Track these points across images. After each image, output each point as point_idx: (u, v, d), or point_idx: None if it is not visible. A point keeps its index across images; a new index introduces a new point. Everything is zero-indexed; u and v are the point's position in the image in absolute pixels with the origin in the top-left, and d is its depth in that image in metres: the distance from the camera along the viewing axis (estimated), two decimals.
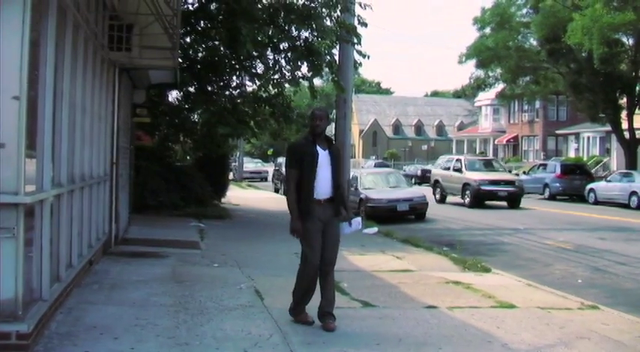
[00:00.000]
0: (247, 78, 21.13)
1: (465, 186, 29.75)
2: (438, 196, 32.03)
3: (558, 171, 35.92)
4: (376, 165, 57.68)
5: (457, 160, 32.46)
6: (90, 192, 9.90)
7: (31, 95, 6.15)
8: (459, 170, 30.96)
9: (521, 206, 29.10)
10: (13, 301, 5.78)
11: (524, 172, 40.59)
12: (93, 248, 10.24)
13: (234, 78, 21.41)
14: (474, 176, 29.68)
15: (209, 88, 20.98)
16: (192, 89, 21.18)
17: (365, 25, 19.26)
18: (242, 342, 6.74)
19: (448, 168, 32.14)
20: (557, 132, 58.51)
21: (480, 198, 29.09)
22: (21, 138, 5.78)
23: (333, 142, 7.75)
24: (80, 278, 9.12)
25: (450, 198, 31.67)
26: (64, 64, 7.72)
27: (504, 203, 29.45)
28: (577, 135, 55.64)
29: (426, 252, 14.61)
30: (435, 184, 32.76)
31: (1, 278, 5.70)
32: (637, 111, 37.92)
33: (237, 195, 30.70)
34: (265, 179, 57.22)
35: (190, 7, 19.20)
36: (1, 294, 5.73)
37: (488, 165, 32.70)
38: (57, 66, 7.34)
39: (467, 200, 29.55)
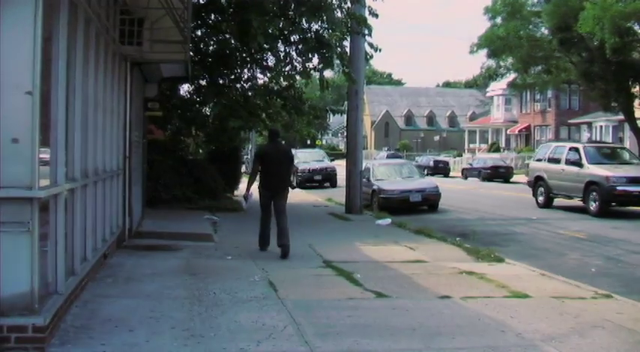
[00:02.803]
0: (258, 70, 21.18)
1: (590, 185, 21.57)
2: (541, 198, 24.31)
3: None
4: (388, 156, 57.67)
5: (572, 149, 23.65)
6: (103, 186, 9.95)
7: (43, 90, 6.19)
8: (576, 163, 22.66)
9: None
10: (29, 294, 5.84)
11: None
12: (107, 241, 10.30)
13: (246, 71, 21.44)
14: (604, 171, 21.53)
15: (220, 81, 20.99)
16: (203, 82, 21.20)
17: (376, 16, 19.27)
18: (256, 334, 6.77)
19: (557, 161, 23.90)
20: (570, 121, 58.24)
21: (612, 202, 21.28)
22: (34, 133, 5.82)
23: None
24: (95, 271, 9.19)
25: (557, 201, 23.99)
26: (76, 59, 7.75)
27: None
28: (590, 124, 55.37)
29: (439, 242, 14.58)
30: (537, 182, 24.72)
31: (16, 272, 5.76)
32: None
33: None
34: None
35: (201, 0, 19.20)
36: (17, 288, 5.79)
37: (616, 156, 24.26)
38: (69, 61, 7.37)
39: (593, 205, 21.36)
